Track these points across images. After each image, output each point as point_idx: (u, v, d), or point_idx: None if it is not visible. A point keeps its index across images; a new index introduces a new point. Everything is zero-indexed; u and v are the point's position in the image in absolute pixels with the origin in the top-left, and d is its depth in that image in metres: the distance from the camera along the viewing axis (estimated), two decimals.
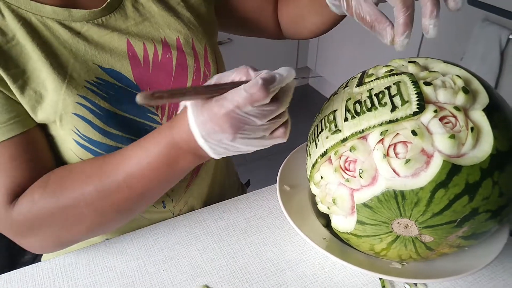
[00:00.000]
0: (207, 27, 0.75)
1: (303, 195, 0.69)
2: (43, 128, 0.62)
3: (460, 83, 0.50)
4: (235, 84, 0.47)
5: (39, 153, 0.61)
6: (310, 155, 0.59)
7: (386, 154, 0.49)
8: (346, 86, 0.58)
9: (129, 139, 0.64)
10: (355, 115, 0.52)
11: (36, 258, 0.83)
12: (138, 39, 0.66)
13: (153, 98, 0.40)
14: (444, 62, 0.55)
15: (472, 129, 0.47)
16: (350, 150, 0.51)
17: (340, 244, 0.61)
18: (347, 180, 0.52)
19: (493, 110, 0.50)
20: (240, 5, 0.83)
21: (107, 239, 0.71)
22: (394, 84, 0.51)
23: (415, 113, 0.48)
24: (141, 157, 0.54)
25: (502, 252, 0.58)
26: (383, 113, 0.50)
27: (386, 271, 0.56)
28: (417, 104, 0.49)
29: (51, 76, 0.58)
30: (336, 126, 0.54)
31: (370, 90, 0.52)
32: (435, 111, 0.48)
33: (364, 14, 0.53)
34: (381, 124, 0.49)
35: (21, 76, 0.57)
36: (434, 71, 0.53)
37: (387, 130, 0.49)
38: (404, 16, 0.48)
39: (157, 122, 0.67)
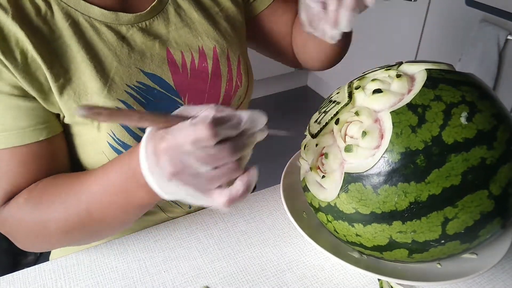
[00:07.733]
0: (241, 38, 0.76)
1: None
2: (70, 128, 0.62)
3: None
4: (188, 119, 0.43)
5: (54, 163, 0.61)
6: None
7: None
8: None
9: None
10: None
11: (38, 259, 0.84)
12: (177, 47, 0.67)
13: (90, 113, 0.38)
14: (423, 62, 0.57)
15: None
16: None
17: (342, 245, 0.62)
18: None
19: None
20: (266, 26, 0.84)
21: (108, 240, 0.71)
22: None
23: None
24: (101, 181, 0.53)
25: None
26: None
27: (384, 272, 0.56)
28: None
29: (93, 78, 0.59)
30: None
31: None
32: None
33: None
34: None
35: (63, 75, 0.57)
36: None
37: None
38: None
39: None
